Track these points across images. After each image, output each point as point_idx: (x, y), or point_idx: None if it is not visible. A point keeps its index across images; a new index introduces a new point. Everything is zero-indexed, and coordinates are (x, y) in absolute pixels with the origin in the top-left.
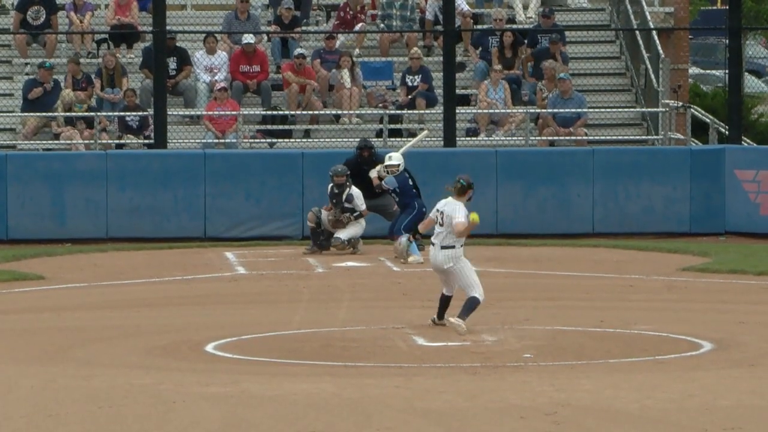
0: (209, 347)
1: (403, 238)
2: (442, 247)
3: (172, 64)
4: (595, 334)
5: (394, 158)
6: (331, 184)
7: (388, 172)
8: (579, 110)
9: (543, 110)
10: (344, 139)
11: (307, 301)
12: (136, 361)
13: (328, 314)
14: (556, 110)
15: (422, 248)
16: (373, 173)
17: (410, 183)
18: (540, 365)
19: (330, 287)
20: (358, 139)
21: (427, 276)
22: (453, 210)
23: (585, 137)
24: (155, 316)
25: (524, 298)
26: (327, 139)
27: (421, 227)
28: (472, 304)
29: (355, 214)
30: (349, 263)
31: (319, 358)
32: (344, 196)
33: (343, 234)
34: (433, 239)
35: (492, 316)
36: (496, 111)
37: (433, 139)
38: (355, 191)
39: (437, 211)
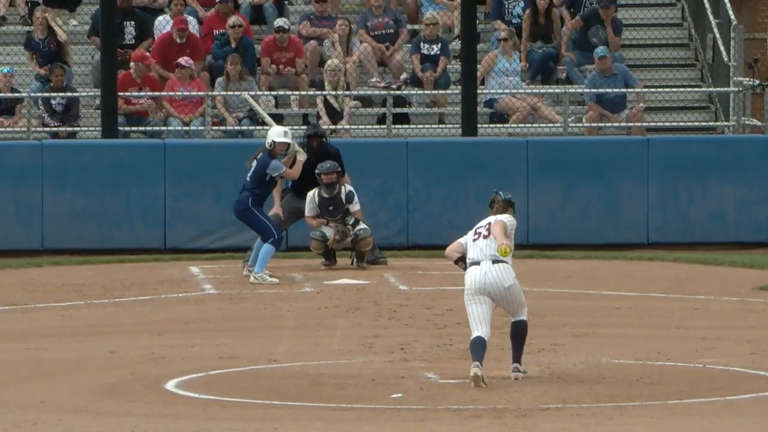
0: (170, 385)
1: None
2: (495, 262)
3: (129, 31)
4: (651, 368)
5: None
6: (315, 190)
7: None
8: (625, 90)
9: (569, 87)
10: (338, 127)
11: (292, 328)
12: (79, 404)
13: (319, 344)
14: (583, 89)
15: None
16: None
17: None
18: (582, 407)
19: (321, 311)
20: (354, 127)
21: (440, 296)
22: (499, 218)
23: (641, 124)
24: (103, 346)
25: (563, 324)
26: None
27: (449, 253)
28: (526, 332)
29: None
30: (345, 281)
31: (307, 399)
32: (344, 197)
33: (363, 224)
34: (474, 258)
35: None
36: (514, 92)
37: (449, 126)
38: (351, 190)
39: (475, 231)
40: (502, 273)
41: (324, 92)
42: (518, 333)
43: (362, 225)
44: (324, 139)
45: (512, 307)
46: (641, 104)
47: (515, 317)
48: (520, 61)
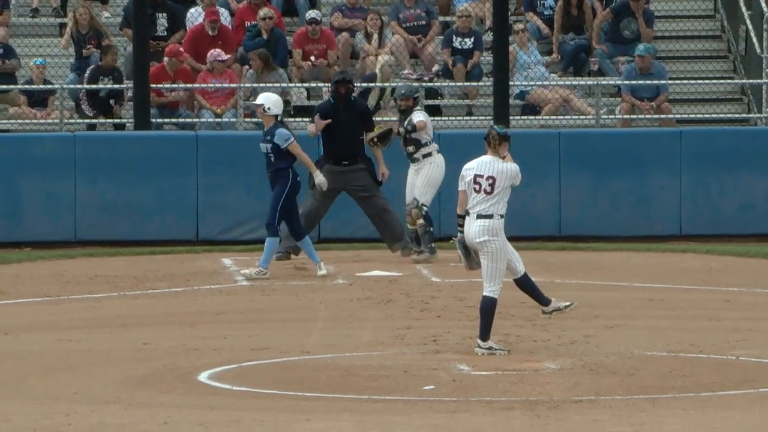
0: (203, 377)
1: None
2: (479, 216)
3: (162, 23)
4: (684, 360)
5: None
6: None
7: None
8: (657, 82)
9: (602, 79)
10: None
11: (324, 320)
12: (111, 395)
13: (350, 336)
14: (612, 81)
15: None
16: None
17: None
18: (615, 399)
19: (352, 302)
20: (386, 119)
21: (472, 288)
22: (505, 171)
23: (672, 116)
24: (134, 338)
25: (594, 315)
26: None
27: (459, 209)
28: (489, 310)
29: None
30: (377, 272)
31: (338, 391)
32: (407, 124)
33: (417, 192)
34: (468, 207)
35: (555, 338)
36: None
37: (481, 118)
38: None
39: (476, 176)
40: (479, 229)
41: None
42: (482, 309)
43: (426, 186)
44: (351, 86)
45: (485, 269)
46: (664, 95)
47: (484, 289)
48: (552, 53)
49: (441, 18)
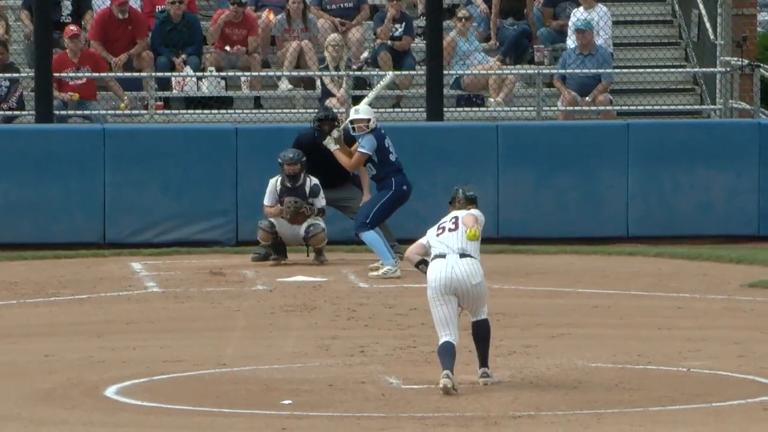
0: (110, 391)
1: (368, 234)
2: (462, 256)
3: (66, 6)
4: (631, 372)
5: (362, 111)
6: (278, 179)
7: (355, 130)
8: (601, 71)
9: (536, 69)
10: (291, 111)
11: (242, 329)
12: (10, 411)
13: (271, 347)
14: (554, 70)
15: (398, 255)
16: (330, 144)
17: (389, 148)
18: (557, 414)
19: (274, 310)
20: (309, 111)
21: (402, 294)
22: (466, 211)
23: (611, 107)
24: (36, 350)
25: (536, 324)
26: (270, 111)
27: (409, 255)
28: (489, 333)
29: (317, 208)
30: (300, 278)
31: (258, 406)
32: (308, 190)
33: (317, 220)
34: (439, 251)
35: (494, 347)
36: (483, 72)
37: (413, 110)
38: (317, 183)
39: (438, 227)
40: (471, 268)
41: (277, 72)
42: (482, 333)
43: (316, 220)
44: (336, 123)
45: (476, 305)
46: (604, 84)
47: (476, 317)
48: (490, 39)
49: (370, 1)
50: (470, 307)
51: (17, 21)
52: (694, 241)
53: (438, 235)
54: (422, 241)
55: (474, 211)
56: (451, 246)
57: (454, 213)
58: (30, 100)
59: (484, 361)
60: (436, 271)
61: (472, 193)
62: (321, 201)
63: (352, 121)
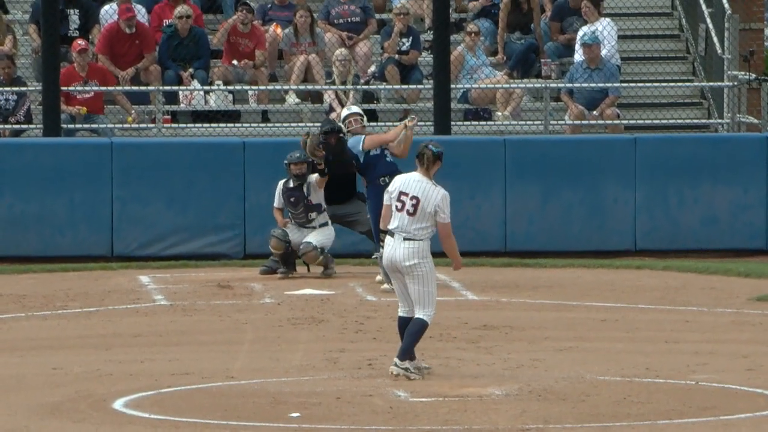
0: (118, 404)
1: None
2: (405, 239)
3: (74, 20)
4: (639, 385)
5: (354, 107)
6: (283, 181)
7: (352, 124)
8: (608, 85)
9: (544, 83)
10: (298, 125)
11: (250, 342)
12: (18, 425)
13: (279, 360)
14: (562, 84)
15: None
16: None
17: (388, 159)
18: (565, 427)
19: (282, 323)
20: (317, 124)
21: None
22: (431, 195)
23: (619, 121)
24: (44, 362)
25: (544, 337)
26: (277, 125)
27: (382, 223)
28: (418, 331)
29: (321, 214)
30: (308, 291)
31: (266, 419)
32: (305, 190)
33: (312, 238)
34: (390, 227)
35: (500, 361)
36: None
37: (420, 124)
38: (312, 178)
39: (400, 193)
40: (409, 251)
41: (285, 86)
42: (411, 329)
43: (310, 238)
44: (342, 135)
45: (415, 294)
46: (611, 98)
47: (416, 313)
48: (497, 53)
49: (378, 15)
50: (412, 294)
51: (25, 35)
52: (701, 255)
53: (398, 209)
54: (387, 202)
55: (438, 193)
56: (401, 226)
57: (415, 186)
58: (37, 114)
59: (401, 354)
60: (385, 250)
61: (440, 149)
62: (320, 199)
63: (345, 117)
